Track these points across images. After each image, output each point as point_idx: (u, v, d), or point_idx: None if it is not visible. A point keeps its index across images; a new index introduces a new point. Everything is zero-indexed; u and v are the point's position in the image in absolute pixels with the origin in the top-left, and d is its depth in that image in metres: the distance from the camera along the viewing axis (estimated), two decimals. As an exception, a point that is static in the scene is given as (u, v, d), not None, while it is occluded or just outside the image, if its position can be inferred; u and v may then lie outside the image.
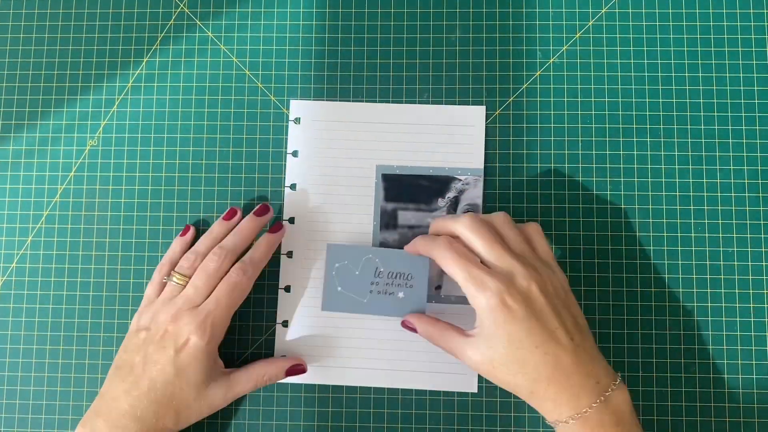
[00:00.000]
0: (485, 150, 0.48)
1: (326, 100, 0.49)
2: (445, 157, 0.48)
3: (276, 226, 0.46)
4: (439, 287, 0.47)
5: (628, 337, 0.46)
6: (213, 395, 0.43)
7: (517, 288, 0.38)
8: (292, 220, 0.48)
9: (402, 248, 0.45)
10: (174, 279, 0.44)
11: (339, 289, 0.46)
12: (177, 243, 0.47)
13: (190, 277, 0.44)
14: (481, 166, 0.48)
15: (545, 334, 0.38)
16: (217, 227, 0.46)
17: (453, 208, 0.47)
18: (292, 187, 0.48)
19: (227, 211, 0.47)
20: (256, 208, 0.46)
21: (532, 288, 0.39)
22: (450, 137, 0.48)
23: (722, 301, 0.46)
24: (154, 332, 0.42)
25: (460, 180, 0.48)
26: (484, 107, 0.48)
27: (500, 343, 0.38)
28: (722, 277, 0.47)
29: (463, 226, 0.41)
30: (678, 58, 0.48)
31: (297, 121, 0.48)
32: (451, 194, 0.48)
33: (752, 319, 0.46)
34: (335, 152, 0.48)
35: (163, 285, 0.45)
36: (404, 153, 0.48)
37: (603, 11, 0.49)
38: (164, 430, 0.41)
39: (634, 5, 0.49)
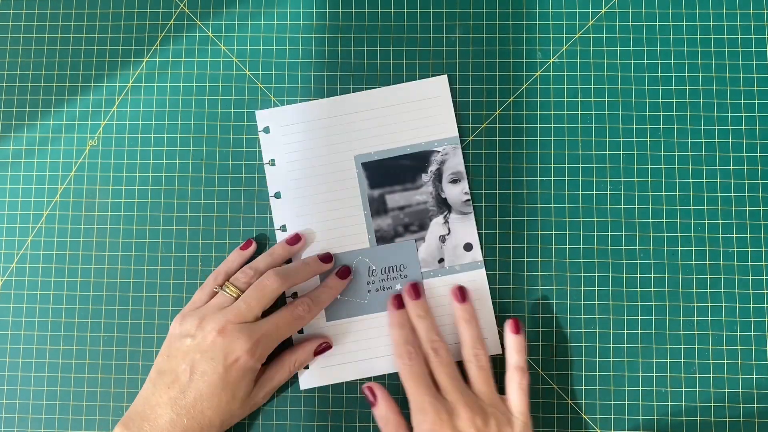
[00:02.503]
0: (485, 150, 0.48)
1: (289, 105, 0.49)
2: (418, 133, 0.48)
3: (344, 271, 0.46)
4: (441, 260, 0.47)
5: (628, 337, 0.46)
6: (255, 397, 0.43)
7: (451, 424, 0.40)
8: (284, 228, 0.48)
9: (394, 240, 0.46)
10: (227, 290, 0.44)
11: (338, 297, 0.46)
12: (235, 255, 0.47)
13: (242, 292, 0.44)
14: (456, 134, 0.48)
15: None
16: (279, 249, 0.46)
17: (438, 180, 0.47)
18: (277, 195, 0.48)
19: (292, 235, 0.47)
20: (339, 270, 0.47)
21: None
22: (419, 112, 0.48)
23: (722, 301, 0.46)
24: (200, 340, 0.42)
25: (438, 151, 0.48)
26: (446, 76, 0.48)
27: None
28: (722, 277, 0.47)
29: (430, 355, 0.44)
30: (678, 58, 0.48)
31: (266, 130, 0.48)
32: (432, 167, 0.48)
33: (752, 319, 0.46)
34: (311, 153, 0.48)
35: (214, 294, 0.44)
36: (379, 138, 0.48)
37: (603, 11, 0.49)
38: None
39: (634, 5, 0.49)
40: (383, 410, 0.43)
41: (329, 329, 0.47)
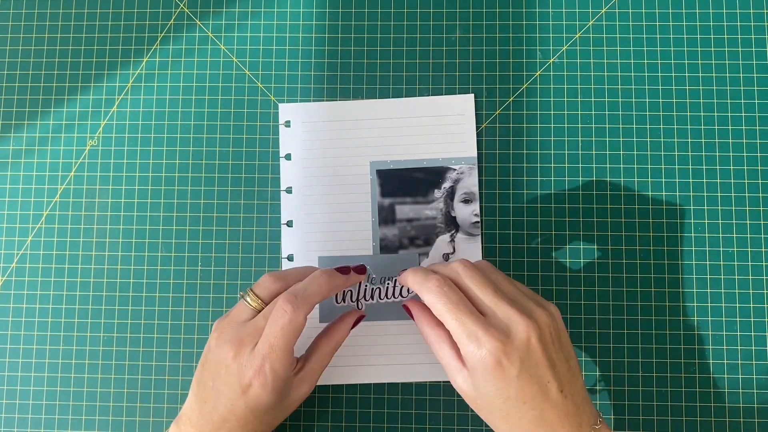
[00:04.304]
0: (485, 150, 0.48)
1: (318, 101, 0.49)
2: (437, 148, 0.48)
3: (344, 268, 0.42)
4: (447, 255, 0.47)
5: (628, 337, 0.46)
6: (295, 396, 0.40)
7: (515, 345, 0.36)
8: (290, 224, 0.48)
9: (398, 251, 0.46)
10: (247, 299, 0.40)
11: (335, 302, 0.46)
12: (325, 277, 0.40)
13: (266, 304, 0.40)
14: (475, 153, 0.48)
15: (535, 390, 0.36)
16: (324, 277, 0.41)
17: (450, 197, 0.47)
18: (288, 190, 0.48)
19: (341, 267, 0.42)
20: (356, 266, 0.43)
21: (531, 341, 0.36)
22: (441, 128, 0.48)
23: (722, 301, 0.46)
24: (219, 358, 0.38)
25: (455, 169, 0.48)
26: (473, 95, 0.48)
27: (488, 392, 0.37)
28: (722, 277, 0.47)
29: (454, 272, 0.39)
30: (678, 58, 0.48)
31: (287, 124, 0.48)
32: (446, 184, 0.48)
33: (752, 319, 0.46)
34: (328, 152, 0.48)
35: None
36: (397, 147, 0.48)
37: (603, 11, 0.49)
38: None
39: (634, 5, 0.49)
40: (423, 324, 0.40)
41: (320, 330, 0.47)
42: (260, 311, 0.39)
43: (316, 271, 0.41)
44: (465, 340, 0.37)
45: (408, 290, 0.46)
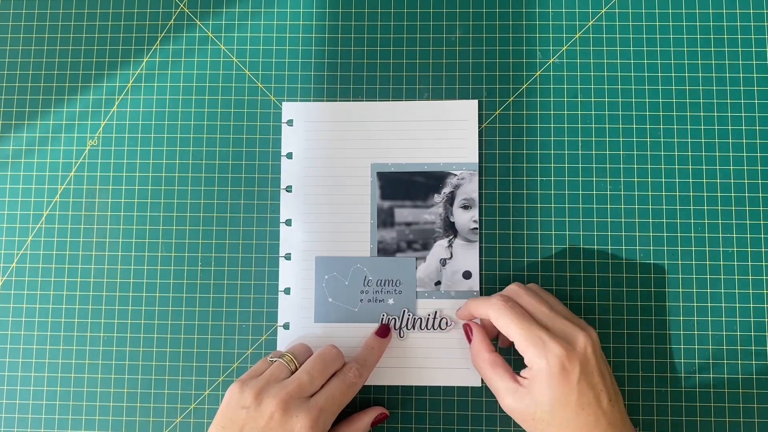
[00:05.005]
0: (485, 150, 0.48)
1: (318, 101, 0.49)
2: (439, 152, 0.48)
3: (383, 330, 0.46)
4: (438, 283, 0.47)
5: (629, 337, 0.46)
6: None
7: (577, 351, 0.39)
8: (289, 222, 0.48)
9: (395, 254, 0.46)
10: (285, 359, 0.42)
11: (330, 300, 0.46)
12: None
13: (301, 364, 0.42)
14: (476, 160, 0.48)
15: (592, 396, 0.39)
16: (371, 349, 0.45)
17: (449, 203, 0.47)
18: (288, 189, 0.48)
19: (381, 329, 0.46)
20: (378, 329, 0.46)
21: (587, 350, 0.39)
22: (443, 132, 0.48)
23: (722, 301, 0.46)
24: (257, 414, 0.39)
25: (455, 175, 0.48)
26: (476, 101, 0.48)
27: (549, 401, 0.39)
28: (722, 277, 0.47)
29: (514, 292, 0.42)
30: (678, 58, 0.48)
31: (290, 123, 0.48)
32: (446, 189, 0.48)
33: (752, 319, 0.46)
34: (329, 153, 0.48)
35: (271, 364, 0.42)
36: (398, 150, 0.48)
37: (603, 11, 0.49)
38: None
39: (634, 5, 0.49)
40: (479, 349, 0.42)
41: (316, 329, 0.47)
42: (293, 372, 0.42)
43: (368, 341, 0.45)
44: (532, 347, 0.39)
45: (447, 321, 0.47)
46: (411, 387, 0.46)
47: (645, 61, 0.48)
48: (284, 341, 0.47)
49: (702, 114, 0.48)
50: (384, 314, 0.46)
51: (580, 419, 0.38)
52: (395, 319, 0.46)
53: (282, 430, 0.39)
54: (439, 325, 0.46)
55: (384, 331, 0.46)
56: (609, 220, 0.47)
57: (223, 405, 0.40)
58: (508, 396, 0.40)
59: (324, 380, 0.41)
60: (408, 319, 0.46)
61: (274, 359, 0.42)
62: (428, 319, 0.46)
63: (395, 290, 0.47)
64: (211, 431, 0.40)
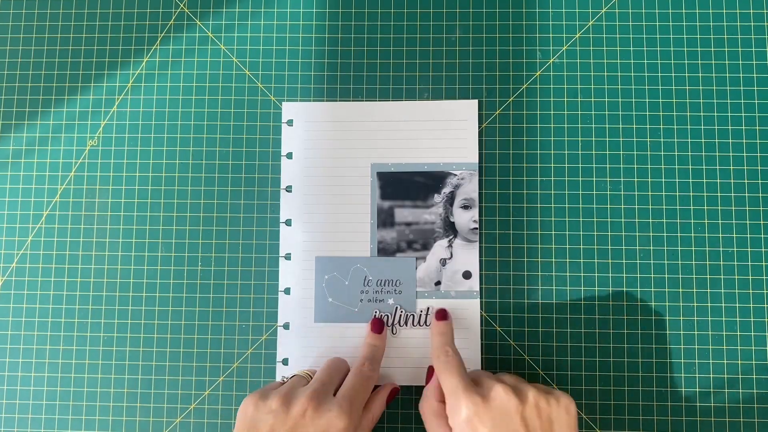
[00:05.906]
0: (485, 150, 0.48)
1: (318, 101, 0.49)
2: (439, 152, 0.48)
3: (376, 324, 0.46)
4: (438, 283, 0.47)
5: (628, 337, 0.46)
6: None
7: (491, 406, 0.38)
8: (288, 222, 0.48)
9: (395, 254, 0.47)
10: (299, 373, 0.44)
11: (330, 300, 0.46)
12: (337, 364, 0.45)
13: (312, 375, 0.43)
14: (476, 160, 0.48)
15: None
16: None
17: (449, 203, 0.47)
18: (288, 189, 0.48)
19: (374, 324, 0.46)
20: (372, 326, 0.46)
21: (510, 409, 0.38)
22: (443, 133, 0.48)
23: (722, 301, 0.46)
24: (285, 418, 0.39)
25: (456, 175, 0.48)
26: (476, 101, 0.48)
27: None
28: (722, 277, 0.47)
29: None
30: (678, 58, 0.48)
31: (290, 123, 0.48)
32: (446, 189, 0.48)
33: (752, 319, 0.46)
34: (329, 153, 0.48)
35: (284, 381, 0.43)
36: (398, 150, 0.48)
37: (603, 11, 0.49)
38: None
39: (634, 5, 0.49)
40: (429, 401, 0.42)
41: (315, 329, 0.47)
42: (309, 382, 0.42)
43: (368, 339, 0.45)
44: (447, 394, 0.40)
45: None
46: (411, 387, 0.46)
47: (645, 61, 0.48)
48: (284, 341, 0.47)
49: (702, 114, 0.48)
50: (376, 311, 0.46)
51: None
52: (387, 315, 0.46)
53: (315, 426, 0.39)
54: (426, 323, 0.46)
55: (377, 326, 0.46)
56: (609, 220, 0.47)
57: (239, 420, 0.40)
58: None
59: (341, 379, 0.43)
60: (400, 315, 0.46)
61: (286, 378, 0.44)
62: (420, 315, 0.46)
63: (395, 290, 0.47)
64: None
